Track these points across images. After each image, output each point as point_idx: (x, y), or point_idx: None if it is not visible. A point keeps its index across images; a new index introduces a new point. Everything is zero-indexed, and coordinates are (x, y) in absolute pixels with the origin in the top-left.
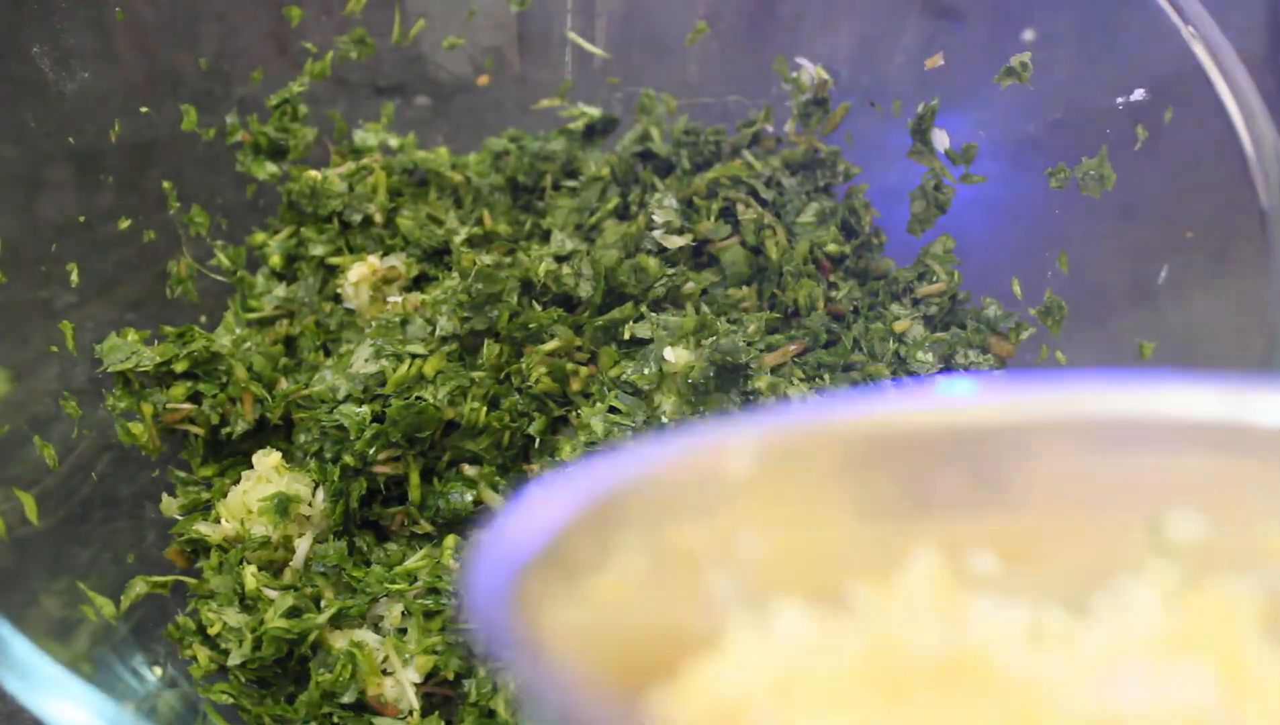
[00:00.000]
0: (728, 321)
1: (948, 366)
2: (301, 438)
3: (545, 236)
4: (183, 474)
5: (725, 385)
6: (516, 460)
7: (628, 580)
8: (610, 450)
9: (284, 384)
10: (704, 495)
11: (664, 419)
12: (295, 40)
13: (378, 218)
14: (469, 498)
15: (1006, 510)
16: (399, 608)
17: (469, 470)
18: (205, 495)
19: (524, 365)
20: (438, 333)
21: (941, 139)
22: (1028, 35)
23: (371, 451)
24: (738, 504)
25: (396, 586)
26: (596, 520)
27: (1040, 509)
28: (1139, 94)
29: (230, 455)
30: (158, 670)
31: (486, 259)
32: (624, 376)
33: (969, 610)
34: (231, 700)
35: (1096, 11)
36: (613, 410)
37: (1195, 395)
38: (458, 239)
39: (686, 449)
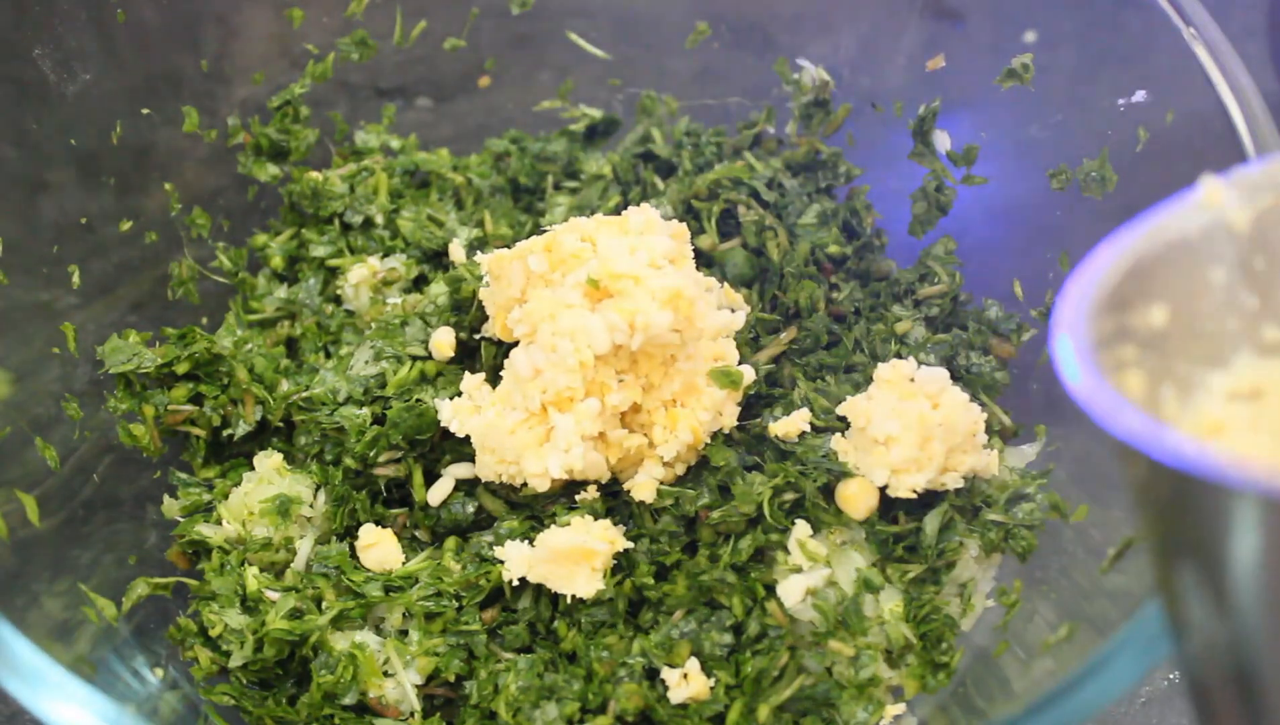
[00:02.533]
0: None
1: (949, 367)
2: (302, 439)
3: None
4: (184, 475)
5: None
6: None
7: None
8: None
9: (285, 386)
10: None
11: None
12: (297, 42)
13: (379, 219)
14: (470, 509)
15: None
16: (400, 609)
17: (468, 471)
18: (207, 497)
19: None
20: None
21: (943, 140)
22: (1029, 37)
23: (372, 453)
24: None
25: (398, 588)
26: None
27: None
28: (1140, 95)
29: (231, 457)
30: (159, 672)
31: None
32: None
33: None
34: (233, 702)
35: (1098, 13)
36: None
37: None
38: (458, 252)
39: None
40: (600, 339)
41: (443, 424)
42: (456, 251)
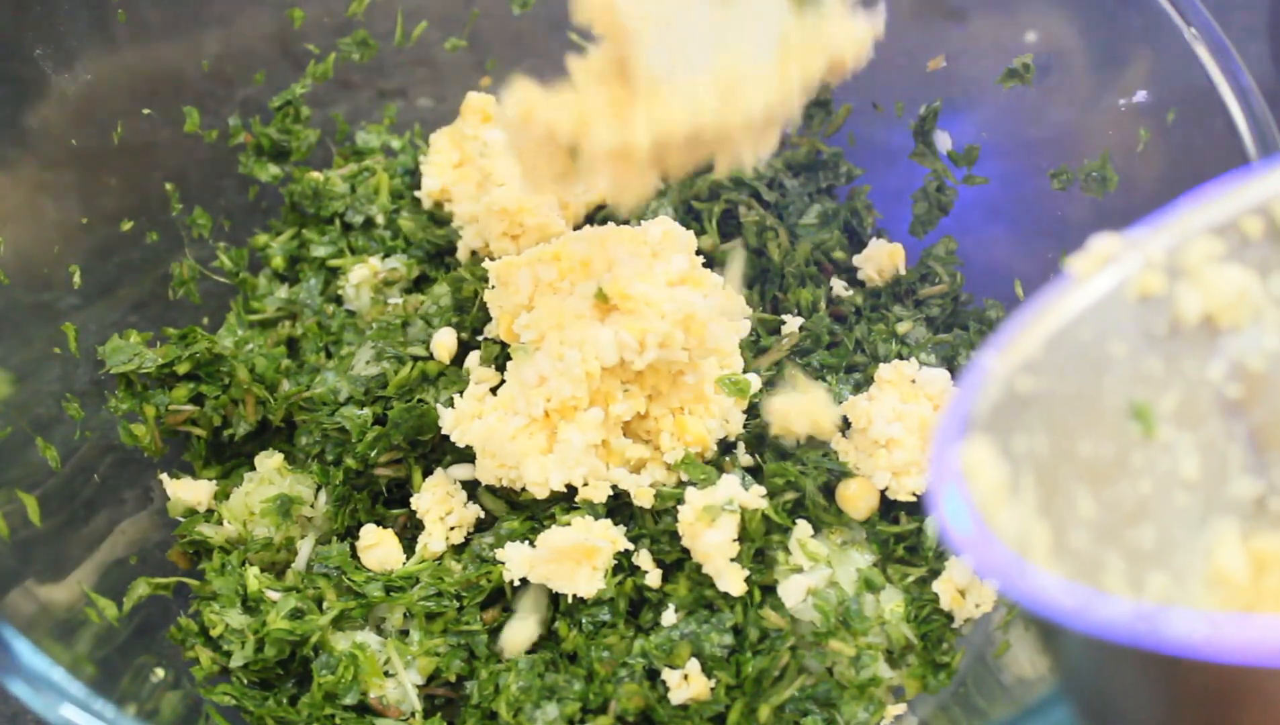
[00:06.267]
0: None
1: (950, 368)
2: (303, 440)
3: None
4: (185, 476)
5: None
6: None
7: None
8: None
9: (286, 386)
10: None
11: None
12: (298, 42)
13: (380, 219)
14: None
15: None
16: (401, 609)
17: (468, 472)
18: None
19: None
20: None
21: (944, 140)
22: (1030, 36)
23: (373, 454)
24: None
25: (399, 588)
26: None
27: None
28: (1141, 95)
29: (232, 457)
30: (160, 672)
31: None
32: None
33: None
34: (234, 702)
35: (1098, 13)
36: None
37: None
38: (461, 252)
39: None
40: (609, 352)
41: (444, 432)
42: (460, 252)
